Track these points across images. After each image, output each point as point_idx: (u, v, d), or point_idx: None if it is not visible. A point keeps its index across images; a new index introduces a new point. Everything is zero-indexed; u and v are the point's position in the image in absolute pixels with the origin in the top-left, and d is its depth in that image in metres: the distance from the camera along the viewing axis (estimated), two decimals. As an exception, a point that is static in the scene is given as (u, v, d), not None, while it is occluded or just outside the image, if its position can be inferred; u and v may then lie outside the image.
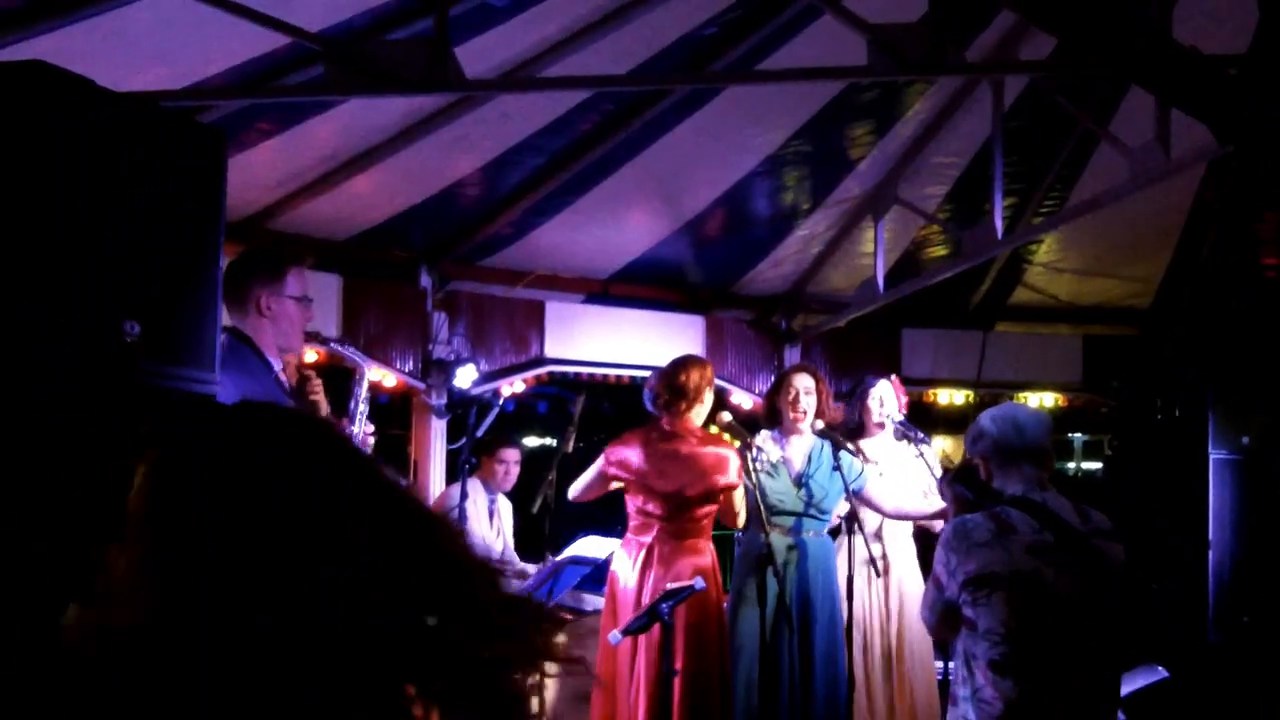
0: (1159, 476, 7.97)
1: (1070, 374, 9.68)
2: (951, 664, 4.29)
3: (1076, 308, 9.58)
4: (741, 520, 5.77)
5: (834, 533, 6.23)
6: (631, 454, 5.69)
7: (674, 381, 5.72)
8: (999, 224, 6.95)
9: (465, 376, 7.98)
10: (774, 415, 6.26)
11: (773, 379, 7.39)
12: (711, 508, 5.73)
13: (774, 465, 5.95)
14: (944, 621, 3.92)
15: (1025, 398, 9.39)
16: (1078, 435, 14.80)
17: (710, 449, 5.69)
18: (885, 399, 6.55)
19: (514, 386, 8.57)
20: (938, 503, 6.25)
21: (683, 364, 5.81)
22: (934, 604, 3.95)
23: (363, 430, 4.23)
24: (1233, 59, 5.25)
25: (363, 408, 4.26)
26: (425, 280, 8.13)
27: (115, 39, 5.00)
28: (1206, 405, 7.35)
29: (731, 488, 5.68)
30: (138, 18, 4.88)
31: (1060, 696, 3.73)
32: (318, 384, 4.68)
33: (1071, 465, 14.95)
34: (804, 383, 6.14)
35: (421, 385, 8.09)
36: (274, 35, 5.02)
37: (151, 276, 2.99)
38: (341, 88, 5.10)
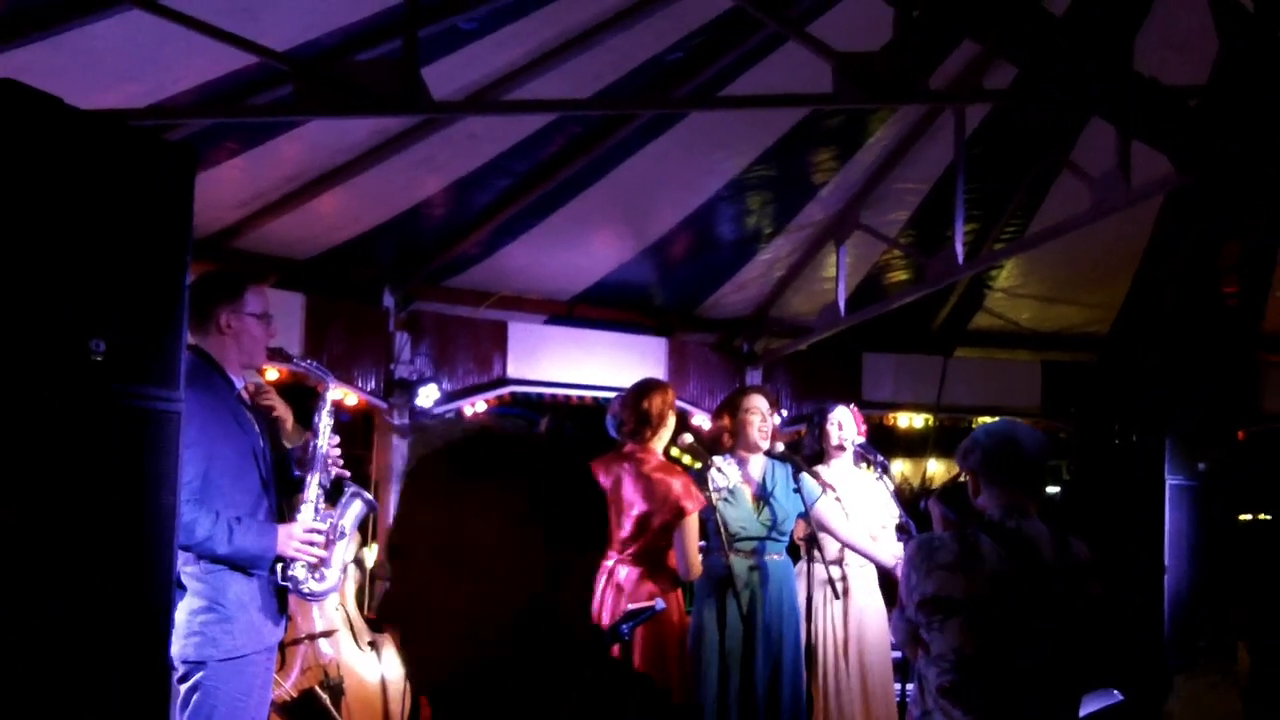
0: (1116, 502, 8.02)
1: (1029, 399, 9.75)
2: (909, 686, 4.26)
3: (1036, 334, 9.67)
4: (695, 570, 5.68)
5: (794, 554, 6.22)
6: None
7: (639, 408, 5.71)
8: (960, 250, 7.00)
9: (427, 396, 8.00)
10: (728, 436, 6.19)
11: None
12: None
13: (732, 491, 5.92)
14: (910, 641, 3.86)
15: (983, 422, 9.43)
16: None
17: (669, 477, 5.66)
18: (844, 423, 6.52)
19: (476, 407, 8.56)
20: (886, 547, 6.26)
21: (645, 390, 5.79)
22: (897, 622, 3.89)
23: (327, 444, 4.24)
24: (1193, 90, 5.32)
25: (327, 421, 4.28)
26: (388, 300, 8.11)
27: (84, 57, 4.99)
28: (1163, 431, 7.41)
29: (685, 514, 5.59)
30: (107, 36, 4.86)
31: None
32: (271, 394, 4.70)
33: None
34: (764, 406, 6.13)
35: (384, 405, 8.08)
36: (243, 55, 5.01)
37: (118, 294, 2.99)
38: (310, 108, 5.09)
